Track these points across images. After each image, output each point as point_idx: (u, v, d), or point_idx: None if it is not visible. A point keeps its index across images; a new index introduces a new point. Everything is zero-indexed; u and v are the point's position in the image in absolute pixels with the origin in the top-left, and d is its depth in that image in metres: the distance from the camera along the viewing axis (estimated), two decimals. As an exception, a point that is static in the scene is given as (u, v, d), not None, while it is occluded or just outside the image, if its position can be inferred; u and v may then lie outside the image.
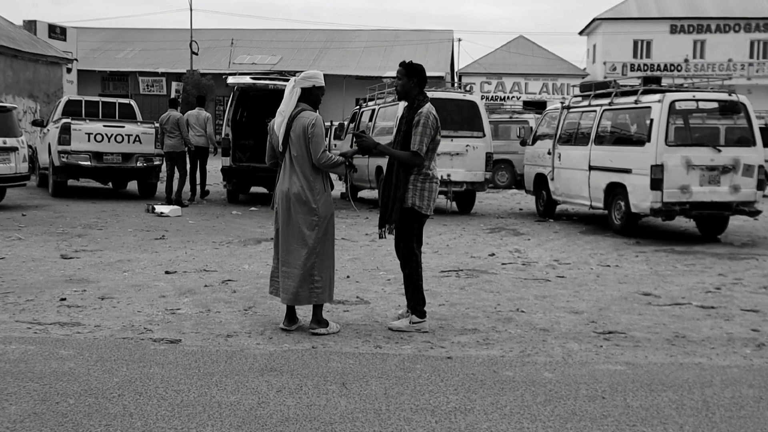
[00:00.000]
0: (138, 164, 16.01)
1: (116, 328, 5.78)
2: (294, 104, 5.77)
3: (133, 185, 18.21)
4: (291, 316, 5.90)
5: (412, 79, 5.95)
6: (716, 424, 4.09)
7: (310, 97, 5.87)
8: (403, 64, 6.03)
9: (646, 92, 12.15)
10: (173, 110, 15.73)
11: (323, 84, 5.95)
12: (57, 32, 33.21)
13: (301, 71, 6.70)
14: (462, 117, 14.81)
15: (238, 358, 5.05)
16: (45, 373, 4.63)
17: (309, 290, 5.72)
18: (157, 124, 15.96)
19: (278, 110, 5.84)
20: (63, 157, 15.47)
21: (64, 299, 6.73)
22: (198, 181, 16.61)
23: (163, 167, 16.04)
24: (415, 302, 5.96)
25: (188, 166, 15.93)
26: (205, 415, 4.01)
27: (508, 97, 45.13)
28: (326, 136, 5.95)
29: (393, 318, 6.26)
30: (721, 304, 7.21)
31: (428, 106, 5.91)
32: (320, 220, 5.75)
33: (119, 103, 18.44)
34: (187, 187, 15.91)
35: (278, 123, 5.80)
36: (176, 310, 6.39)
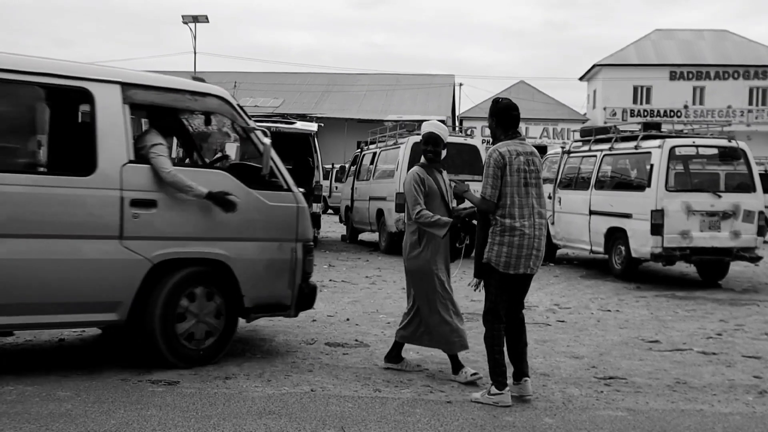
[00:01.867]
0: None
1: (114, 369, 5.74)
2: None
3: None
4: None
5: (492, 119, 5.40)
6: (718, 473, 4.04)
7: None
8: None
9: (646, 138, 12.23)
10: None
11: (427, 137, 5.91)
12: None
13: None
14: (463, 161, 14.88)
15: (237, 401, 5.02)
16: (42, 414, 4.60)
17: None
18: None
19: None
20: None
21: (63, 339, 6.70)
22: None
23: None
24: (491, 370, 5.27)
25: None
26: (202, 458, 3.97)
27: (508, 142, 45.26)
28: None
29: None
30: (722, 351, 7.18)
31: (497, 145, 5.26)
32: (406, 274, 5.96)
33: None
34: None
35: None
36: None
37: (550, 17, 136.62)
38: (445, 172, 6.05)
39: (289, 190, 6.30)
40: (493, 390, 5.18)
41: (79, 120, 6.18)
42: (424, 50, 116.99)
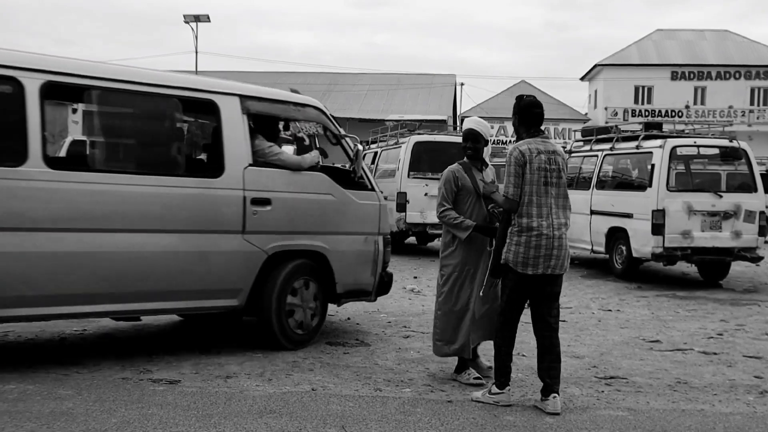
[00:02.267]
0: None
1: (116, 367, 5.75)
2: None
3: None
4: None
5: (515, 116, 5.28)
6: (719, 472, 4.05)
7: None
8: None
9: (647, 137, 12.23)
10: None
11: (467, 133, 5.77)
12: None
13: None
14: None
15: (237, 400, 5.02)
16: (43, 413, 4.60)
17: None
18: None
19: None
20: None
21: (65, 338, 6.71)
22: None
23: None
24: (496, 370, 5.20)
25: None
26: (203, 457, 3.98)
27: (510, 141, 45.39)
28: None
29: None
30: (723, 350, 7.18)
31: (518, 144, 5.14)
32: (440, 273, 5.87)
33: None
34: None
35: None
36: (175, 351, 6.37)
37: (551, 18, 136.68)
38: (490, 169, 5.90)
39: (372, 189, 7.14)
40: (494, 389, 5.13)
41: (208, 128, 6.84)
42: (425, 50, 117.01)
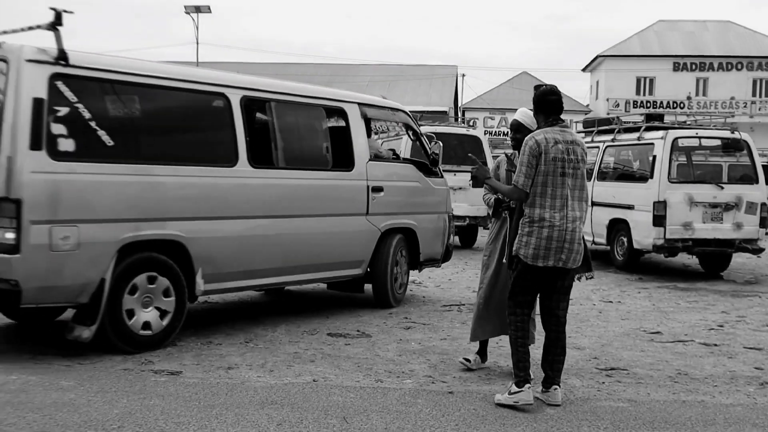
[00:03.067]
0: None
1: (117, 359, 5.77)
2: None
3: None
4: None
5: (534, 106, 5.19)
6: (719, 463, 4.06)
7: None
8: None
9: (648, 129, 12.22)
10: None
11: (512, 124, 5.80)
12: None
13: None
14: (465, 152, 14.88)
15: (239, 391, 5.04)
16: (45, 403, 4.62)
17: None
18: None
19: None
20: None
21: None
22: None
23: None
24: (513, 365, 5.04)
25: None
26: (205, 447, 3.99)
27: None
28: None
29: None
30: (724, 342, 7.19)
31: (534, 133, 5.03)
32: None
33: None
34: None
35: None
36: (177, 342, 6.38)
37: (552, 9, 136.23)
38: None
39: (441, 176, 8.99)
40: (513, 388, 4.92)
41: (340, 130, 8.08)
42: (426, 41, 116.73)
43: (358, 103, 8.04)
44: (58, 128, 5.44)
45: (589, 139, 13.94)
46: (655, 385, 5.60)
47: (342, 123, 7.96)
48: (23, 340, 6.34)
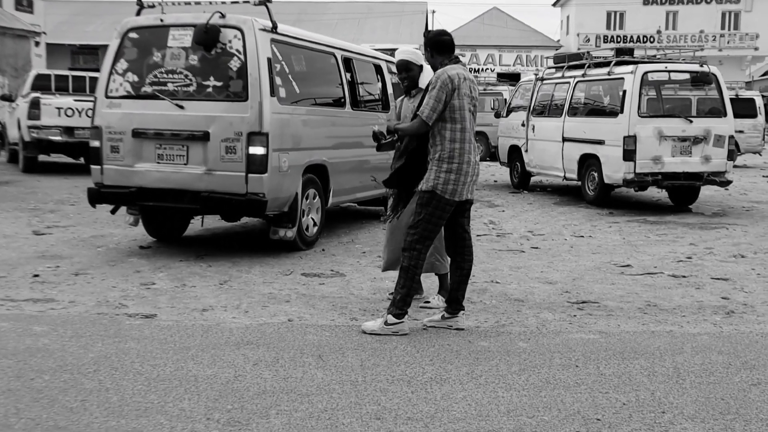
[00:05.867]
0: None
1: (91, 303, 5.75)
2: None
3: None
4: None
5: (427, 51, 5.26)
6: (686, 390, 4.16)
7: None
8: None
9: (618, 64, 12.21)
10: None
11: (398, 64, 5.77)
12: (24, 4, 32.59)
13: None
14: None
15: (214, 332, 5.05)
16: (19, 349, 4.60)
17: None
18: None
19: None
20: (33, 132, 15.28)
21: (38, 275, 6.67)
22: None
23: None
24: (400, 299, 5.09)
25: None
26: (182, 389, 4.02)
27: (482, 69, 45.08)
28: None
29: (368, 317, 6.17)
30: (692, 273, 7.32)
31: (446, 68, 5.05)
32: None
33: (90, 77, 18.17)
34: None
35: None
36: (151, 285, 6.37)
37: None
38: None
39: None
40: (391, 319, 5.07)
41: (379, 80, 10.18)
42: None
43: (386, 60, 10.18)
44: (277, 80, 7.39)
45: (559, 74, 13.92)
46: (625, 317, 5.70)
47: (380, 75, 10.07)
48: (-6, 287, 6.28)
